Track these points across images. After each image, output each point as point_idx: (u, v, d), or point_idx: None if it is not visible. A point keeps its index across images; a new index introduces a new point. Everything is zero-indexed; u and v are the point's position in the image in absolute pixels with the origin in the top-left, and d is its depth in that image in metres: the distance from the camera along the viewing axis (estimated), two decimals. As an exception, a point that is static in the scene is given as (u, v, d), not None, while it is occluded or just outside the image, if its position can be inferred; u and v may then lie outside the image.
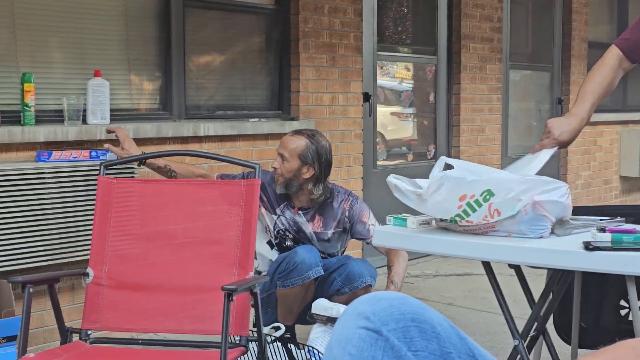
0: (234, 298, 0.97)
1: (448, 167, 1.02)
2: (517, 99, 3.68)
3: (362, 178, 2.65)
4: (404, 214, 1.10)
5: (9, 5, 1.67)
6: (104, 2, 1.90)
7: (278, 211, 1.50)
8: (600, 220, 1.15)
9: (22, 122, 1.58)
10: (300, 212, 1.48)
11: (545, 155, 1.21)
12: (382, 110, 2.92)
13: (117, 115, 1.86)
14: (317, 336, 1.25)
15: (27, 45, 1.78)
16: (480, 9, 3.21)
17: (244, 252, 1.13)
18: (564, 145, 1.24)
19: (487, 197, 0.99)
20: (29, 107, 1.58)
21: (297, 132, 1.54)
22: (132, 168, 1.57)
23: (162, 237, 1.19)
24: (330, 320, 1.23)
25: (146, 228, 1.19)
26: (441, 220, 1.06)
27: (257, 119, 2.37)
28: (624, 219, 1.22)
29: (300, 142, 1.46)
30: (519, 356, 1.10)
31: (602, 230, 1.01)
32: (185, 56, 2.15)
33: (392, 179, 1.04)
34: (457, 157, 3.08)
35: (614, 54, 1.30)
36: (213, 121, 2.18)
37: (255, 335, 1.10)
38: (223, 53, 2.43)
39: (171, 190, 1.35)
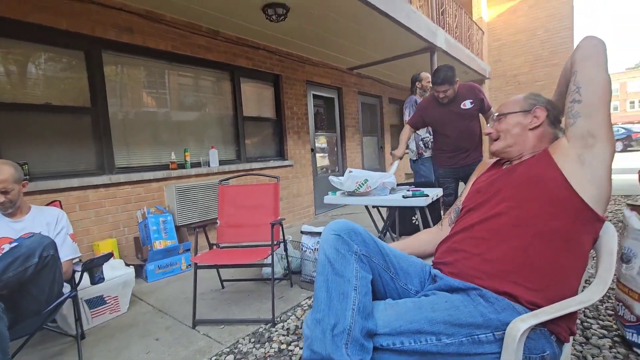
0: (274, 226, 2.33)
1: (350, 172, 2.54)
2: (366, 147, 6.73)
3: (312, 180, 5.12)
4: (334, 190, 2.60)
5: (177, 123, 3.15)
6: (210, 118, 3.50)
7: None
8: (408, 186, 2.78)
9: (185, 167, 3.35)
10: None
11: (395, 164, 2.83)
12: (318, 155, 5.33)
13: (221, 162, 3.88)
14: (305, 240, 2.61)
15: (185, 139, 3.27)
16: (351, 111, 6.17)
17: (275, 210, 2.49)
18: (399, 158, 2.86)
19: (366, 181, 2.50)
20: (187, 161, 3.37)
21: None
22: (228, 180, 2.83)
23: (243, 206, 2.48)
24: (312, 234, 2.61)
25: (236, 203, 2.47)
26: (348, 192, 2.57)
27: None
28: (413, 186, 2.87)
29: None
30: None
31: (409, 190, 2.58)
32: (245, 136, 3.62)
33: (331, 177, 2.53)
34: (345, 169, 6.15)
35: (407, 126, 3.04)
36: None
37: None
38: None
39: (245, 188, 2.64)
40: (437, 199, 2.65)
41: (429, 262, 1.20)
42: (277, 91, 4.93)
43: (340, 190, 2.46)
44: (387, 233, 2.65)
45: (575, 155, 0.98)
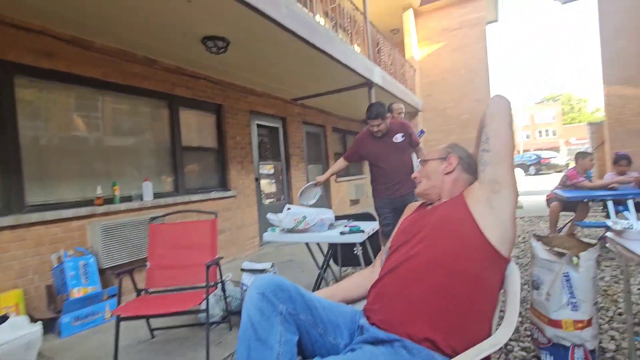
0: (210, 267, 2.18)
1: (288, 209, 2.51)
2: (311, 175, 6.85)
3: (257, 210, 5.05)
4: (273, 227, 2.54)
5: (107, 155, 3.19)
6: (145, 149, 3.19)
7: None
8: (347, 220, 2.82)
9: (113, 202, 3.13)
10: None
11: (317, 193, 2.88)
12: (263, 182, 5.35)
13: (156, 195, 3.68)
14: (245, 279, 2.47)
15: (116, 172, 3.19)
16: (295, 140, 6.22)
17: (212, 248, 2.34)
18: (321, 184, 2.96)
19: (305, 217, 2.47)
20: (116, 196, 3.19)
21: None
22: (164, 217, 2.67)
23: (177, 245, 2.29)
24: (253, 271, 2.49)
25: (169, 243, 2.27)
26: (288, 229, 2.52)
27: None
28: (352, 219, 2.92)
29: None
30: (321, 278, 2.61)
31: (346, 226, 2.60)
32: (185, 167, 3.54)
33: (269, 215, 2.48)
34: (291, 199, 6.08)
35: (342, 160, 3.15)
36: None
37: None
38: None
39: (179, 226, 2.45)
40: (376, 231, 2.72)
41: (362, 306, 1.21)
42: (219, 121, 4.83)
43: (279, 227, 2.42)
44: (328, 268, 2.64)
45: (485, 199, 1.07)
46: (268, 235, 2.39)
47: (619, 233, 1.65)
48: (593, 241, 1.82)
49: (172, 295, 2.23)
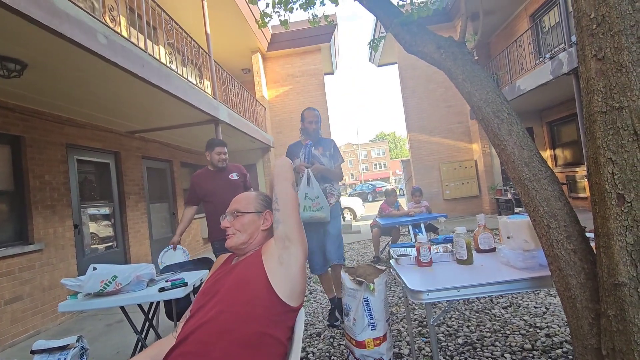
0: None
1: (93, 269, 2.10)
2: (155, 215, 6.38)
3: (76, 264, 4.24)
4: (74, 293, 2.06)
5: None
6: None
7: None
8: (173, 271, 2.54)
9: None
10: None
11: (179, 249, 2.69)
12: (90, 227, 4.70)
13: None
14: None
15: None
16: (133, 177, 5.59)
17: None
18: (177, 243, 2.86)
19: (115, 277, 2.06)
20: None
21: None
22: None
23: None
24: (51, 351, 1.88)
25: None
26: (94, 293, 2.06)
27: None
28: (187, 267, 2.68)
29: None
30: (140, 344, 2.25)
31: (167, 281, 2.16)
32: None
33: (64, 280, 1.98)
34: (127, 245, 5.38)
35: (188, 208, 2.96)
36: None
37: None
38: None
39: None
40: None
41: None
42: (17, 157, 3.80)
43: (82, 293, 2.00)
44: (151, 329, 2.31)
45: (277, 256, 1.12)
46: (65, 306, 1.92)
47: (397, 260, 2.04)
48: (383, 267, 2.18)
49: None
